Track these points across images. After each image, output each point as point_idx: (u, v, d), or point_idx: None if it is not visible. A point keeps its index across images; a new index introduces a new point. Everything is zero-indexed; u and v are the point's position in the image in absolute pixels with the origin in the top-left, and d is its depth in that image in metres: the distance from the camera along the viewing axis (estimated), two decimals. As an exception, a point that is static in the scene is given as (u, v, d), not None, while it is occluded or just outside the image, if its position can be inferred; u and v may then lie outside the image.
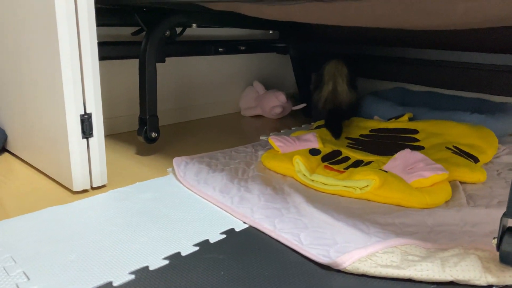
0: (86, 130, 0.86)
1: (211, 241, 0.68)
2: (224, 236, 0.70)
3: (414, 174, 0.85)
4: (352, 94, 1.28)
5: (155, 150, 1.17)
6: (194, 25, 1.17)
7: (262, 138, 1.31)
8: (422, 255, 0.62)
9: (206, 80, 1.57)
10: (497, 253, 0.58)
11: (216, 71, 1.60)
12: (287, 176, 0.96)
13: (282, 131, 1.41)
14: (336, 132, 1.17)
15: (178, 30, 1.24)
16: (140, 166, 1.04)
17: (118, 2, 1.01)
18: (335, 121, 1.22)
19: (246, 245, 0.68)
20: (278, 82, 1.86)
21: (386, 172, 0.88)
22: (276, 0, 0.62)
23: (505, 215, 0.55)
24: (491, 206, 0.80)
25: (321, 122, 1.33)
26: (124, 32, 1.30)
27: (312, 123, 1.43)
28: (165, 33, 1.22)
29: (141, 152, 1.16)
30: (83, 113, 0.85)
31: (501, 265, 0.57)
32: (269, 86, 1.82)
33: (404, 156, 0.92)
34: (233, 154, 1.09)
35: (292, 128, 1.44)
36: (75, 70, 0.83)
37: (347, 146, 1.12)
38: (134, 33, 1.21)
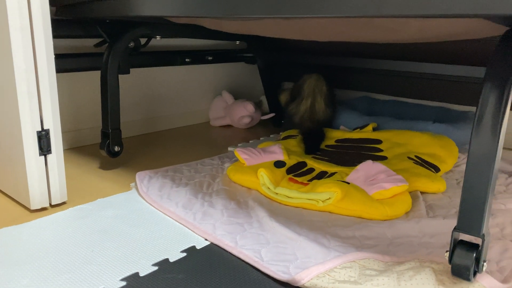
0: (44, 147, 0.84)
1: (171, 260, 0.67)
2: (184, 254, 0.69)
3: (375, 186, 0.86)
4: (329, 111, 1.30)
5: (119, 164, 1.15)
6: (158, 37, 1.16)
7: (229, 149, 1.31)
8: (379, 269, 0.63)
9: (174, 90, 1.56)
10: (450, 266, 0.60)
11: (184, 81, 1.59)
12: (252, 189, 0.96)
13: (250, 141, 1.41)
14: (311, 151, 1.18)
15: (143, 40, 1.23)
16: (102, 181, 1.02)
17: (79, 15, 0.99)
18: (312, 143, 1.23)
19: (207, 263, 0.67)
20: (247, 91, 1.86)
21: (349, 183, 0.89)
22: (236, 16, 0.62)
23: (455, 229, 0.56)
24: (449, 216, 0.82)
25: (289, 132, 1.34)
26: (88, 43, 1.28)
27: (280, 133, 1.44)
28: (129, 44, 1.20)
29: (105, 165, 1.13)
30: (40, 129, 0.83)
31: (453, 277, 0.59)
32: (238, 95, 1.82)
33: (366, 167, 0.93)
34: (198, 167, 1.08)
35: (261, 138, 1.44)
36: (31, 85, 0.80)
37: (312, 157, 1.13)
38: (97, 45, 1.19)
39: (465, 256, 0.55)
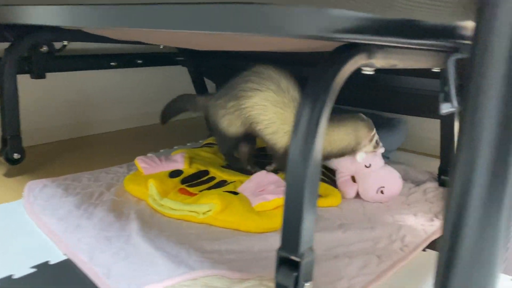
0: None
1: (15, 276, 0.65)
2: (34, 270, 0.67)
3: (259, 197, 0.85)
4: None
5: (28, 170, 1.12)
6: (65, 42, 1.14)
7: (149, 155, 1.28)
8: (220, 287, 0.61)
9: (107, 94, 1.53)
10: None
11: (117, 85, 1.56)
12: (143, 200, 0.94)
13: (188, 144, 1.40)
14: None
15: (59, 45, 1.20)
16: (3, 190, 1.00)
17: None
18: None
19: (54, 280, 0.65)
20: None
21: (237, 194, 0.87)
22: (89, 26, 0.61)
23: (279, 248, 0.55)
24: (328, 228, 0.81)
25: (211, 139, 1.32)
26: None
27: (200, 141, 1.42)
28: (42, 49, 1.18)
29: (11, 172, 1.11)
30: None
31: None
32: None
33: (259, 177, 0.92)
34: (101, 176, 1.06)
35: (199, 141, 1.42)
36: None
37: (223, 165, 1.10)
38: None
39: (286, 275, 0.54)
